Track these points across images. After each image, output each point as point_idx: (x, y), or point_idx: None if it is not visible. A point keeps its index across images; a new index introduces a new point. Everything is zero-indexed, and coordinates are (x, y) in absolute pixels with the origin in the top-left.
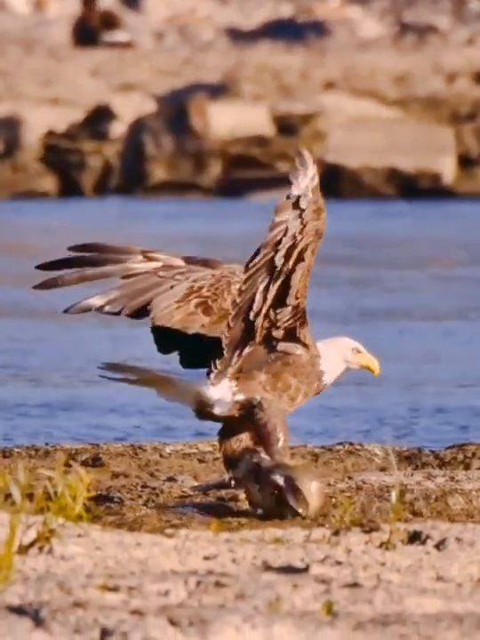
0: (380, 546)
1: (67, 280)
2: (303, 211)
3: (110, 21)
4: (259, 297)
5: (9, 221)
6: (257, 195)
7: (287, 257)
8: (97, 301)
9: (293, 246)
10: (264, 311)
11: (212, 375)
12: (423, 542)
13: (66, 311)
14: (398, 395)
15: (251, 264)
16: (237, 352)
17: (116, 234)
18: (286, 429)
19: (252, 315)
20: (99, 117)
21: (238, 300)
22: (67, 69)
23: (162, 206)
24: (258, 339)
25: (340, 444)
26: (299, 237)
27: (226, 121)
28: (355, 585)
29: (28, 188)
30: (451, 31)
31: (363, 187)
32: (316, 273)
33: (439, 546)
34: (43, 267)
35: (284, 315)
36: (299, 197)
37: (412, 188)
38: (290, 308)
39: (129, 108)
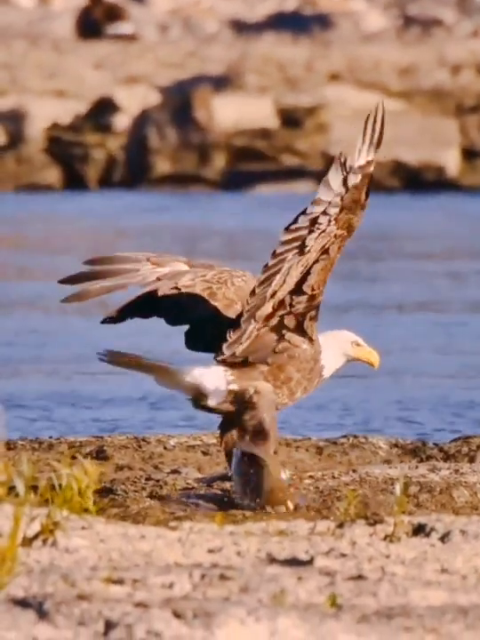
0: (385, 538)
1: (92, 292)
2: (346, 191)
3: (114, 14)
4: (278, 278)
5: (13, 214)
6: (261, 187)
7: (316, 241)
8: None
9: (324, 232)
10: (280, 294)
11: (225, 345)
12: (428, 535)
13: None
14: (403, 387)
15: (290, 227)
16: (252, 327)
17: (120, 227)
18: (275, 426)
19: (269, 292)
20: (103, 110)
21: (263, 275)
22: (71, 62)
23: (166, 199)
24: (269, 318)
25: (345, 436)
26: (331, 226)
27: (230, 113)
28: (359, 577)
29: (33, 180)
30: (455, 24)
31: None
32: None
33: (444, 538)
34: (65, 281)
35: (299, 302)
36: (328, 204)
37: (417, 180)
38: (306, 297)
39: (133, 101)
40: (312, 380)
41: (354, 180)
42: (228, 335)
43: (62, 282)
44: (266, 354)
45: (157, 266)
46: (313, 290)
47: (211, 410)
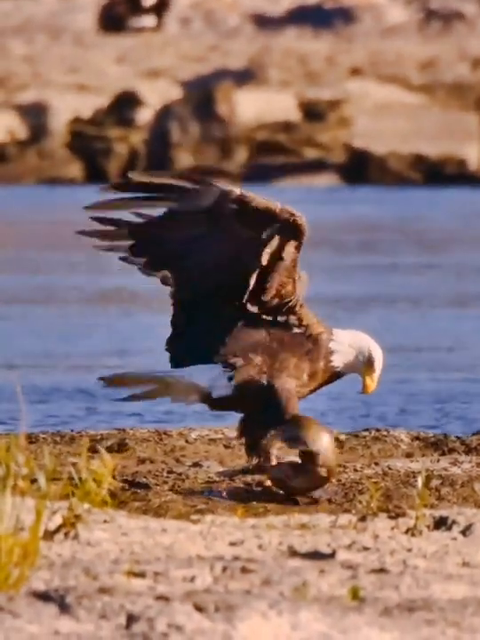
0: (407, 532)
1: (117, 205)
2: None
3: (137, 6)
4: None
5: (35, 207)
6: (283, 180)
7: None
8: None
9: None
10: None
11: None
12: (449, 528)
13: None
14: (425, 381)
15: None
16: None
17: None
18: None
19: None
20: (125, 104)
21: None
22: (93, 56)
23: None
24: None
25: (366, 430)
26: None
27: (252, 107)
28: (381, 571)
29: (55, 174)
30: (477, 17)
31: (388, 172)
32: (339, 260)
33: (465, 532)
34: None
35: (267, 302)
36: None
37: (438, 173)
38: (273, 298)
39: (155, 95)
40: (316, 362)
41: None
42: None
43: (89, 208)
44: (255, 347)
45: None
46: (277, 291)
47: (222, 404)
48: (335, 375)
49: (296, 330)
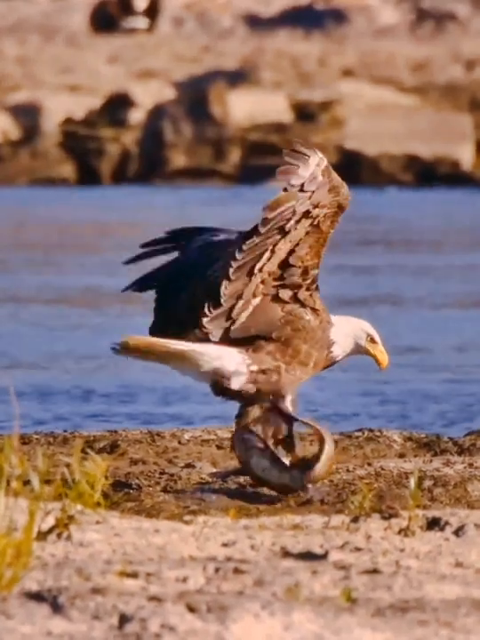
0: (399, 532)
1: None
2: (313, 192)
3: (128, 8)
4: (267, 254)
5: (27, 208)
6: (276, 181)
7: (298, 223)
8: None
9: (307, 214)
10: (268, 268)
11: (208, 321)
12: (442, 529)
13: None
14: (418, 381)
15: (248, 242)
16: (240, 304)
17: (135, 221)
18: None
19: (256, 269)
20: (117, 104)
21: (239, 257)
22: (86, 56)
23: (181, 193)
24: (258, 294)
25: (359, 430)
26: (313, 211)
27: (245, 108)
28: (374, 571)
29: (47, 174)
30: (469, 19)
31: (381, 173)
32: (336, 259)
33: (458, 532)
34: (129, 262)
35: (291, 275)
36: (303, 184)
37: (431, 174)
38: (297, 270)
39: (148, 95)
40: (322, 351)
41: (314, 182)
42: (206, 310)
43: (127, 262)
44: (269, 328)
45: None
46: (302, 262)
47: (232, 393)
48: (332, 363)
49: (309, 315)
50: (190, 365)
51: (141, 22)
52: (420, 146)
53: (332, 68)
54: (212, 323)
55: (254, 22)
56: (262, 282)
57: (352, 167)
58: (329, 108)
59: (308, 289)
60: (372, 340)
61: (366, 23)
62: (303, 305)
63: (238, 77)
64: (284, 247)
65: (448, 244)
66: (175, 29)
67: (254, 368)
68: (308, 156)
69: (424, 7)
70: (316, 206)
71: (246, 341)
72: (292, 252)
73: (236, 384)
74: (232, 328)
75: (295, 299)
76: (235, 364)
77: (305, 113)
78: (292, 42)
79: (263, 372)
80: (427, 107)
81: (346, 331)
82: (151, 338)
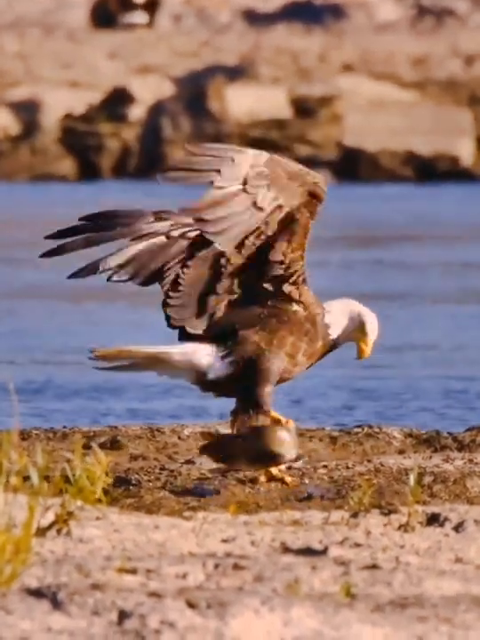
0: (399, 528)
1: (73, 245)
2: (268, 185)
3: (128, 3)
4: (234, 250)
5: (28, 204)
6: None
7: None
8: (105, 265)
9: (280, 208)
10: (239, 262)
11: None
12: (442, 525)
13: (71, 276)
14: (418, 377)
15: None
16: (213, 299)
17: None
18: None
19: (223, 261)
20: (117, 100)
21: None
22: (85, 52)
23: (180, 188)
24: (234, 288)
25: (359, 426)
26: (279, 202)
27: (244, 104)
28: (373, 567)
29: (47, 170)
30: (469, 14)
31: (380, 169)
32: (330, 257)
33: (458, 528)
34: (52, 236)
35: (273, 268)
36: (245, 180)
37: (430, 170)
38: (278, 263)
39: (147, 91)
40: (314, 342)
41: (255, 178)
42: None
43: (48, 237)
44: (251, 322)
45: (160, 221)
46: (284, 255)
47: (216, 387)
48: (333, 346)
49: (296, 307)
50: (164, 366)
51: (141, 18)
52: (420, 141)
53: (332, 64)
54: (191, 324)
55: (253, 17)
56: (233, 275)
57: (351, 163)
58: (328, 103)
59: (293, 283)
60: (363, 329)
61: (366, 19)
62: (289, 298)
63: (237, 73)
64: (256, 242)
65: (446, 241)
66: (174, 25)
67: (230, 358)
68: (224, 156)
69: (424, 3)
70: (277, 198)
71: (229, 334)
72: (270, 246)
73: (213, 374)
74: (210, 322)
75: (280, 292)
76: (207, 356)
77: (304, 108)
78: (292, 37)
79: (242, 361)
80: (426, 102)
81: (338, 311)
82: (119, 346)
